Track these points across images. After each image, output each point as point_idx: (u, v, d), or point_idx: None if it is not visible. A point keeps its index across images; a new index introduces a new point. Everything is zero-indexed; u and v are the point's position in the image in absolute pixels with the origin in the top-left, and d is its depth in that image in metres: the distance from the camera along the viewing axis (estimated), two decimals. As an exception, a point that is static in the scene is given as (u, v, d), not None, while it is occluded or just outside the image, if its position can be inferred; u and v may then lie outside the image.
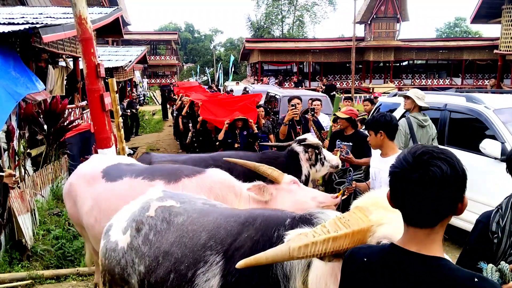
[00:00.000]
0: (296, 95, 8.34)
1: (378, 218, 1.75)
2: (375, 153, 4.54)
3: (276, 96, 13.91)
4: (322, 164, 5.41)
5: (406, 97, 6.32)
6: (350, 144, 6.12)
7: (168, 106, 23.61)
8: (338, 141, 6.19)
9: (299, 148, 5.46)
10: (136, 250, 2.80)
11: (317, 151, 5.40)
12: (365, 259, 1.57)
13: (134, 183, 3.87)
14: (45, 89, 9.06)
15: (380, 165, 4.23)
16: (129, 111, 17.65)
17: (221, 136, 8.38)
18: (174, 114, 15.70)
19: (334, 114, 7.00)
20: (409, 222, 1.49)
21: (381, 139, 4.25)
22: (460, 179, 1.41)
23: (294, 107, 7.22)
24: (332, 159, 5.46)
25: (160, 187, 3.34)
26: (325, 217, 2.35)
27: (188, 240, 2.68)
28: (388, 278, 1.47)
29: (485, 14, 21.16)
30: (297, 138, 5.87)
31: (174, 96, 18.71)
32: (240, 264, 1.81)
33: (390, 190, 1.53)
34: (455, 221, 6.16)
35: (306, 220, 2.39)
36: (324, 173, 5.76)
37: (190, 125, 12.03)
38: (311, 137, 5.68)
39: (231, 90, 18.82)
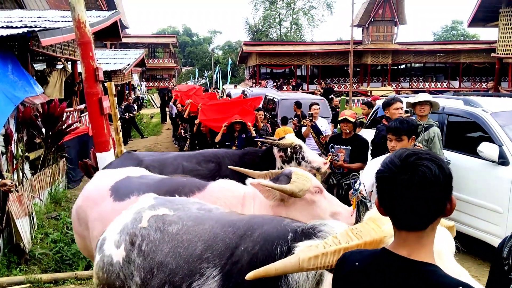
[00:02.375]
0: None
1: (392, 229, 1.75)
2: (379, 160, 4.32)
3: (274, 99, 13.92)
4: (299, 164, 5.62)
5: (424, 103, 5.90)
6: (349, 148, 6.11)
7: (166, 109, 23.64)
8: (336, 146, 6.19)
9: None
10: (133, 262, 2.74)
11: (292, 150, 5.65)
12: (357, 263, 1.56)
13: None
14: (43, 93, 9.07)
15: None
16: (127, 114, 17.67)
17: (218, 138, 8.43)
18: (173, 116, 15.74)
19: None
20: (398, 225, 1.48)
21: (411, 145, 4.17)
22: (448, 179, 1.41)
23: (409, 113, 6.51)
24: (314, 161, 5.61)
25: (151, 194, 3.20)
26: (328, 229, 2.28)
27: (183, 250, 2.59)
28: (378, 283, 1.47)
29: (482, 18, 21.25)
30: (281, 136, 6.17)
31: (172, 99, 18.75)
32: (250, 275, 1.78)
33: (378, 196, 1.52)
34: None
35: (309, 235, 2.29)
36: None
37: (182, 130, 12.06)
38: (290, 137, 5.90)
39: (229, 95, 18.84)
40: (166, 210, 2.87)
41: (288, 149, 5.69)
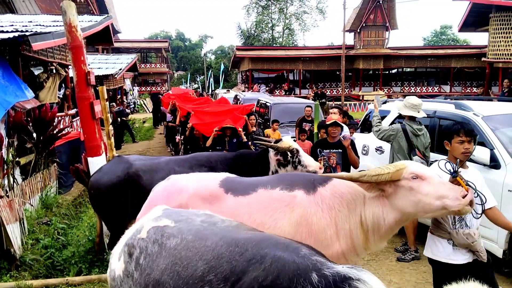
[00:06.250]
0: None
1: None
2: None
3: (267, 103, 13.96)
4: (295, 168, 5.56)
5: None
6: (340, 150, 6.16)
7: (159, 114, 23.58)
8: (326, 151, 6.22)
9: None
10: (132, 276, 2.58)
11: (290, 154, 5.57)
12: None
13: (273, 194, 3.66)
14: (37, 97, 9.02)
15: (472, 176, 3.68)
16: (119, 118, 17.57)
17: (209, 143, 8.47)
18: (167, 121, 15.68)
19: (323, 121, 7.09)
20: None
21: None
22: None
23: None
24: (310, 165, 5.54)
25: (162, 206, 3.15)
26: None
27: (181, 269, 2.37)
28: None
29: (472, 23, 21.44)
30: (278, 139, 6.11)
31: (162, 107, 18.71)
32: None
33: None
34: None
35: None
36: None
37: (177, 136, 12.02)
38: (288, 140, 5.83)
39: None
40: (168, 221, 2.70)
41: (288, 152, 5.61)
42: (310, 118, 10.57)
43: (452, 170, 3.40)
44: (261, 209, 3.58)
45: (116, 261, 2.72)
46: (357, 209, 3.45)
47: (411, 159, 6.12)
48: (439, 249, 3.65)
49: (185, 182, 4.01)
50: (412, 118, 6.34)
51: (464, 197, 3.14)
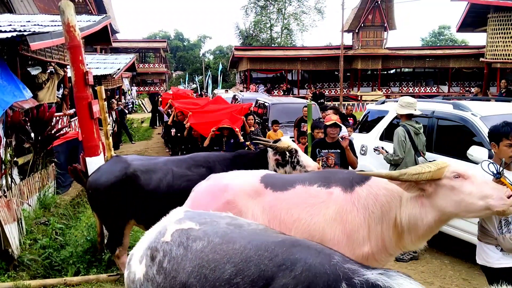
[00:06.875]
0: None
1: None
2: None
3: (265, 103, 13.98)
4: (294, 168, 5.57)
5: None
6: (338, 151, 6.17)
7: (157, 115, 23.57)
8: (324, 151, 6.23)
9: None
10: (152, 281, 2.55)
11: (289, 154, 5.57)
12: None
13: (311, 190, 3.70)
14: (36, 97, 8.99)
15: None
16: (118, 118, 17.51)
17: (206, 143, 8.49)
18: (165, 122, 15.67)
19: (319, 121, 7.07)
20: None
21: None
22: None
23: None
24: (309, 165, 5.55)
25: (183, 208, 3.12)
26: None
27: (209, 272, 2.35)
28: None
29: (471, 23, 21.41)
30: (276, 139, 6.10)
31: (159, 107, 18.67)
32: None
33: None
34: (443, 227, 6.18)
35: None
36: None
37: (172, 130, 12.00)
38: (286, 140, 5.81)
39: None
40: (192, 224, 2.67)
41: (287, 152, 5.60)
42: None
43: (495, 172, 3.34)
44: (298, 204, 3.63)
45: (137, 264, 2.68)
46: (391, 211, 3.41)
47: (415, 160, 6.14)
48: (489, 255, 3.57)
49: (228, 179, 4.08)
50: (409, 118, 6.37)
51: (509, 197, 3.01)
